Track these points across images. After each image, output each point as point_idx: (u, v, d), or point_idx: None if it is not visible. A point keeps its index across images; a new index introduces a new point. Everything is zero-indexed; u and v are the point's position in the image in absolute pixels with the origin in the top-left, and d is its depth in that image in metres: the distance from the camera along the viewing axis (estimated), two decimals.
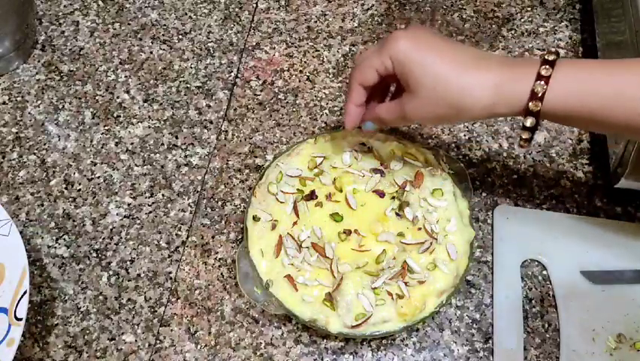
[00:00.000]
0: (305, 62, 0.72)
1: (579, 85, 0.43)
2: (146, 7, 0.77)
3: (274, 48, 0.73)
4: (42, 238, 0.61)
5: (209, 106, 0.69)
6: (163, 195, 0.63)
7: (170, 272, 0.59)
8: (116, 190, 0.63)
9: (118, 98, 0.70)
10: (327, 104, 0.69)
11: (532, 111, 0.43)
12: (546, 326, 0.55)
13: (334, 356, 0.54)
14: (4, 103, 0.70)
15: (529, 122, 0.44)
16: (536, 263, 0.58)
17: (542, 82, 0.42)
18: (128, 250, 0.60)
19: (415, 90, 0.46)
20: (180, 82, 0.71)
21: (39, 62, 0.73)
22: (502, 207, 0.61)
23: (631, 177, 0.56)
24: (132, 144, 0.67)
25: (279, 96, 0.70)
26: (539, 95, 0.42)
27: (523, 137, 0.46)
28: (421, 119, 0.50)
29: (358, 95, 0.50)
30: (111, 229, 0.61)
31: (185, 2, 0.78)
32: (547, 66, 0.43)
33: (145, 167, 0.65)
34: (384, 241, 0.54)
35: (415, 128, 0.67)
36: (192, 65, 0.72)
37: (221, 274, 0.58)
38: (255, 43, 0.74)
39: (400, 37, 0.46)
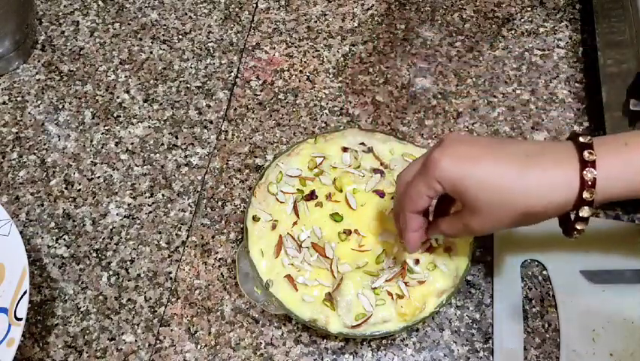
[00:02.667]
0: (305, 62, 0.72)
1: (625, 165, 0.40)
2: (146, 7, 0.77)
3: (274, 48, 0.73)
4: (42, 238, 0.61)
5: (209, 106, 0.69)
6: (163, 195, 0.63)
7: (170, 272, 0.59)
8: (116, 190, 0.63)
9: (118, 98, 0.70)
10: (327, 104, 0.69)
11: (588, 201, 0.40)
12: (546, 326, 0.55)
13: (334, 356, 0.54)
14: (4, 103, 0.70)
15: (585, 212, 0.41)
16: (536, 263, 0.58)
17: (591, 168, 0.39)
18: (128, 250, 0.60)
19: (474, 207, 0.42)
20: (180, 82, 0.71)
21: (39, 62, 0.73)
22: None
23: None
24: (132, 144, 0.67)
25: (279, 96, 0.70)
26: (590, 183, 0.39)
27: (579, 228, 0.42)
28: (488, 232, 0.46)
29: (416, 222, 0.47)
30: (111, 229, 0.61)
31: (185, 2, 0.78)
32: (590, 150, 0.40)
33: (145, 167, 0.65)
34: (384, 241, 0.54)
35: (415, 128, 0.67)
36: (192, 65, 0.72)
37: (221, 274, 0.58)
38: (255, 43, 0.74)
39: (441, 158, 0.42)
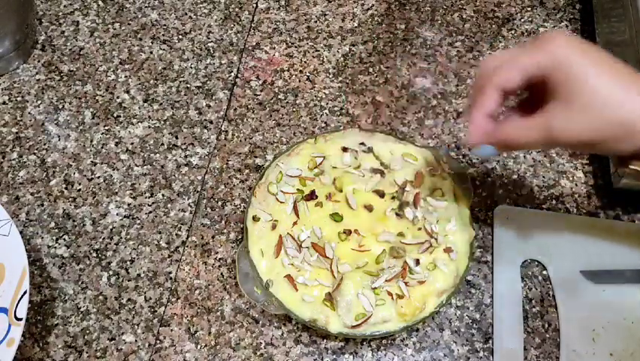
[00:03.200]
0: (305, 62, 0.72)
1: None
2: (146, 7, 0.77)
3: (274, 48, 0.73)
4: (42, 238, 0.61)
5: (209, 106, 0.69)
6: (163, 195, 0.63)
7: (170, 272, 0.59)
8: (116, 190, 0.63)
9: (118, 98, 0.70)
10: (327, 104, 0.69)
11: None
12: (546, 326, 0.55)
13: (334, 356, 0.54)
14: (4, 103, 0.70)
15: None
16: (536, 263, 0.58)
17: None
18: (128, 250, 0.60)
19: (572, 101, 0.38)
20: (180, 82, 0.71)
21: (39, 62, 0.73)
22: (502, 208, 0.61)
23: (631, 177, 0.56)
24: (132, 144, 0.67)
25: (279, 96, 0.70)
26: None
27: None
28: (572, 138, 0.40)
29: (493, 101, 0.41)
30: (111, 229, 0.61)
31: (185, 2, 0.78)
32: None
33: (145, 167, 0.65)
34: (384, 241, 0.54)
35: (415, 128, 0.67)
36: (192, 65, 0.72)
37: (221, 274, 0.58)
38: (255, 43, 0.74)
39: (560, 35, 0.39)
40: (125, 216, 0.62)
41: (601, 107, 0.38)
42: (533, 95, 0.41)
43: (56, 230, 0.61)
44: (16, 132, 0.68)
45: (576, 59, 0.39)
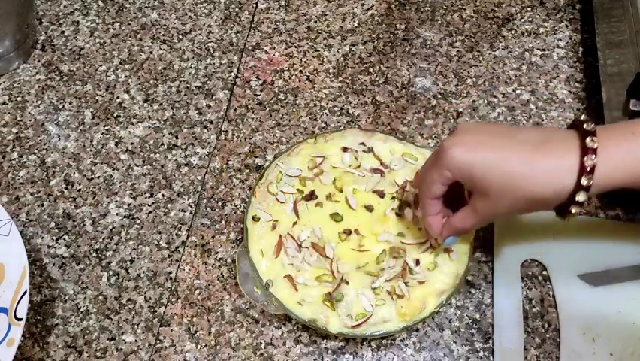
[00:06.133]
0: (305, 62, 0.72)
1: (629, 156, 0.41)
2: (146, 7, 0.77)
3: (274, 48, 0.73)
4: (42, 238, 0.61)
5: (209, 106, 0.69)
6: (163, 195, 0.63)
7: (170, 272, 0.59)
8: (116, 190, 0.63)
9: (118, 98, 0.70)
10: (327, 104, 0.69)
11: (585, 187, 0.41)
12: (546, 326, 0.55)
13: (334, 356, 0.54)
14: (4, 103, 0.70)
15: (581, 197, 0.42)
16: (536, 263, 0.58)
17: (592, 155, 0.41)
18: (128, 250, 0.60)
19: (484, 191, 0.44)
20: (180, 82, 0.71)
21: (39, 62, 0.73)
22: None
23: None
24: (132, 144, 0.67)
25: (279, 96, 0.70)
26: (589, 169, 0.41)
27: (574, 212, 0.43)
28: (498, 217, 0.49)
29: (433, 208, 0.50)
30: (111, 229, 0.61)
31: (185, 2, 0.78)
32: (593, 137, 0.41)
33: (145, 167, 0.65)
34: (384, 241, 0.54)
35: (415, 128, 0.67)
36: (192, 65, 0.72)
37: (221, 274, 0.58)
38: (255, 43, 0.74)
39: (451, 147, 0.44)
40: (125, 216, 0.62)
41: (510, 188, 0.43)
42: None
43: (56, 230, 0.61)
44: (16, 132, 0.68)
45: (471, 159, 0.44)
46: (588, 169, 0.41)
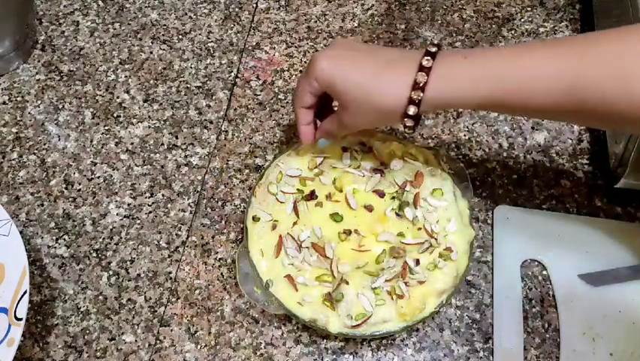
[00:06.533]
0: (305, 62, 0.72)
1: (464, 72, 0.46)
2: (146, 7, 0.77)
3: (274, 48, 0.73)
4: (42, 238, 0.61)
5: (209, 106, 0.69)
6: (163, 195, 0.63)
7: (170, 272, 0.59)
8: (116, 190, 0.64)
9: (118, 98, 0.70)
10: None
11: (415, 100, 0.46)
12: (546, 326, 0.55)
13: (334, 356, 0.54)
14: (4, 103, 0.70)
15: (411, 110, 0.46)
16: (536, 263, 0.58)
17: (423, 73, 0.45)
18: (128, 250, 0.60)
19: (344, 103, 0.49)
20: (180, 82, 0.71)
21: (39, 62, 0.73)
22: (502, 207, 0.61)
23: (631, 177, 0.56)
24: (132, 144, 0.67)
25: (279, 96, 0.70)
26: (420, 85, 0.45)
27: (408, 125, 0.48)
28: (359, 127, 0.53)
29: (304, 116, 0.54)
30: (111, 229, 0.61)
31: (185, 2, 0.78)
32: (429, 57, 0.46)
33: (145, 167, 0.65)
34: (384, 241, 0.54)
35: None
36: (192, 65, 0.72)
37: (221, 274, 0.58)
38: (255, 43, 0.74)
39: (319, 58, 0.49)
40: (125, 216, 0.62)
41: (362, 100, 0.48)
42: None
43: (56, 230, 0.61)
44: (16, 132, 0.68)
45: (334, 71, 0.48)
46: (420, 85, 0.45)
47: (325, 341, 0.55)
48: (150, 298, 0.57)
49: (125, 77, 0.72)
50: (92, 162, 0.65)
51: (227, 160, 0.65)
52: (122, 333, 0.56)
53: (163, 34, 0.75)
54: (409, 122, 0.47)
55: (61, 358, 0.55)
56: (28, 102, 0.70)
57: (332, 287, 0.52)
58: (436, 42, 0.48)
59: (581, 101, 0.42)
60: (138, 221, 0.62)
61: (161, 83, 0.71)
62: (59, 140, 0.67)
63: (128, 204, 0.63)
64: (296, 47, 0.73)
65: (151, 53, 0.73)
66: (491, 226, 0.60)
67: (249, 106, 0.69)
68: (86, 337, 0.55)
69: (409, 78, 0.46)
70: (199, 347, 0.55)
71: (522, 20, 0.75)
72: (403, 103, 0.46)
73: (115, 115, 0.69)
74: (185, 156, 0.66)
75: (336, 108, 0.53)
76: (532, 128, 0.66)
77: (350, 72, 0.48)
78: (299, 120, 0.54)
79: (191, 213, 0.62)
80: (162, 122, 0.68)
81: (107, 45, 0.74)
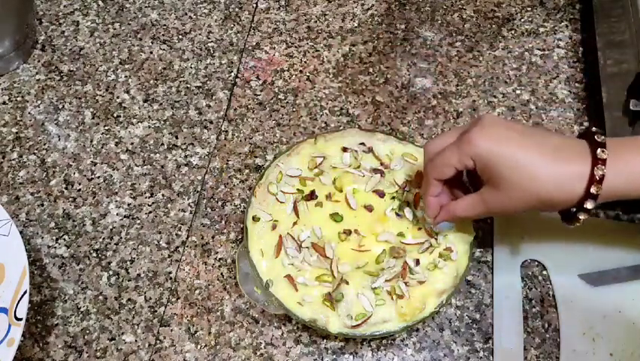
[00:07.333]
0: (305, 62, 0.72)
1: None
2: (146, 7, 0.77)
3: (274, 48, 0.73)
4: (42, 238, 0.61)
5: (209, 106, 0.69)
6: (163, 195, 0.63)
7: (170, 272, 0.59)
8: (116, 190, 0.64)
9: (118, 98, 0.70)
10: (327, 104, 0.69)
11: (593, 195, 0.44)
12: (546, 326, 0.55)
13: (334, 356, 0.54)
14: (4, 103, 0.70)
15: (589, 204, 0.45)
16: (536, 263, 0.58)
17: (602, 165, 0.43)
18: (128, 250, 0.60)
19: (498, 184, 0.46)
20: (180, 82, 0.71)
21: (39, 62, 0.73)
22: None
23: None
24: (132, 144, 0.67)
25: (279, 96, 0.70)
26: (598, 178, 0.43)
27: (581, 218, 0.46)
28: (505, 214, 0.50)
29: (436, 188, 0.51)
30: (111, 229, 0.61)
31: (185, 2, 0.78)
32: (603, 148, 0.44)
33: (145, 167, 0.65)
34: (384, 241, 0.54)
35: (415, 128, 0.67)
36: (192, 65, 0.72)
37: (221, 274, 0.58)
38: (255, 43, 0.74)
39: (478, 138, 0.46)
40: (125, 216, 0.62)
41: (525, 186, 0.45)
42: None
43: (56, 230, 0.61)
44: (16, 132, 0.68)
45: (497, 150, 0.45)
46: (597, 178, 0.43)
47: (325, 341, 0.55)
48: (150, 298, 0.57)
49: (125, 77, 0.72)
50: (92, 162, 0.65)
51: (227, 160, 0.65)
52: (122, 333, 0.56)
53: (163, 34, 0.75)
54: (582, 216, 0.46)
55: (61, 358, 0.55)
56: (28, 102, 0.70)
57: (332, 287, 0.52)
58: (593, 129, 0.46)
59: None
60: (138, 221, 0.62)
61: (161, 83, 0.71)
62: (59, 140, 0.67)
63: (128, 204, 0.63)
64: (296, 46, 0.73)
65: (151, 53, 0.73)
66: (491, 226, 0.60)
67: (249, 106, 0.69)
68: (86, 337, 0.55)
69: (584, 171, 0.44)
70: (199, 347, 0.55)
71: (522, 20, 0.75)
72: (577, 196, 0.44)
73: (115, 115, 0.69)
74: (185, 156, 0.66)
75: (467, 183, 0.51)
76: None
77: (517, 155, 0.45)
78: (429, 191, 0.51)
79: (191, 213, 0.62)
80: (162, 122, 0.68)
81: (107, 45, 0.74)
